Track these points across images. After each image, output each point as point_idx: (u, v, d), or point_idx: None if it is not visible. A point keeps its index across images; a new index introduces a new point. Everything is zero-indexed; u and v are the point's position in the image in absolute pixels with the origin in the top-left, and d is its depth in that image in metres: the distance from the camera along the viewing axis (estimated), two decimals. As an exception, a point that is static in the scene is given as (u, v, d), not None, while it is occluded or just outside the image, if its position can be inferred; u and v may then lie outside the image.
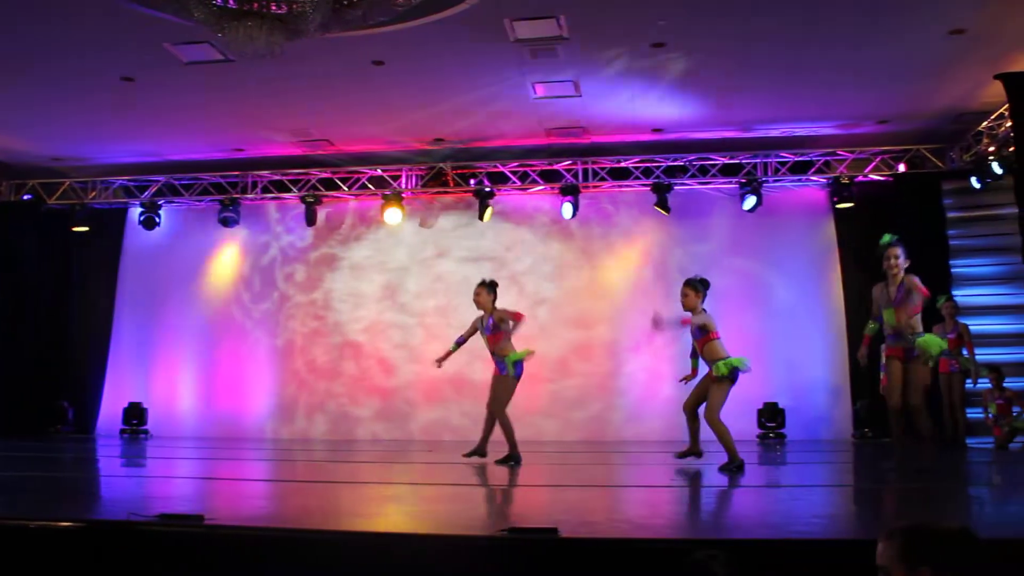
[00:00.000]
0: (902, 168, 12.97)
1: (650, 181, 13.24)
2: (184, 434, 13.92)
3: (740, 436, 11.51)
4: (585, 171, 13.50)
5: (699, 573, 2.59)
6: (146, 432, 13.82)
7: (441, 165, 13.59)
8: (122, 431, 13.83)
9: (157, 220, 14.37)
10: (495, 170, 13.68)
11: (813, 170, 13.19)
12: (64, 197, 14.60)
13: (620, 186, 13.59)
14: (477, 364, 13.34)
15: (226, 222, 14.05)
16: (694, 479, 7.15)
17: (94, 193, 14.61)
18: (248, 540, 3.83)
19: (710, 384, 7.68)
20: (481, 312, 8.57)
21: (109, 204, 14.72)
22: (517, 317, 8.51)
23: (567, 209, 13.28)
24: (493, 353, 8.47)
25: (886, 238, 7.39)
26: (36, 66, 10.06)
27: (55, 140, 12.87)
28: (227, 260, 14.62)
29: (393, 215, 13.63)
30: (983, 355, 10.97)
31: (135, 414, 13.88)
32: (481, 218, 13.48)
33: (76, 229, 14.35)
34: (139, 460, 9.96)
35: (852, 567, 3.40)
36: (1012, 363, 11.19)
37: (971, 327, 10.99)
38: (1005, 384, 10.97)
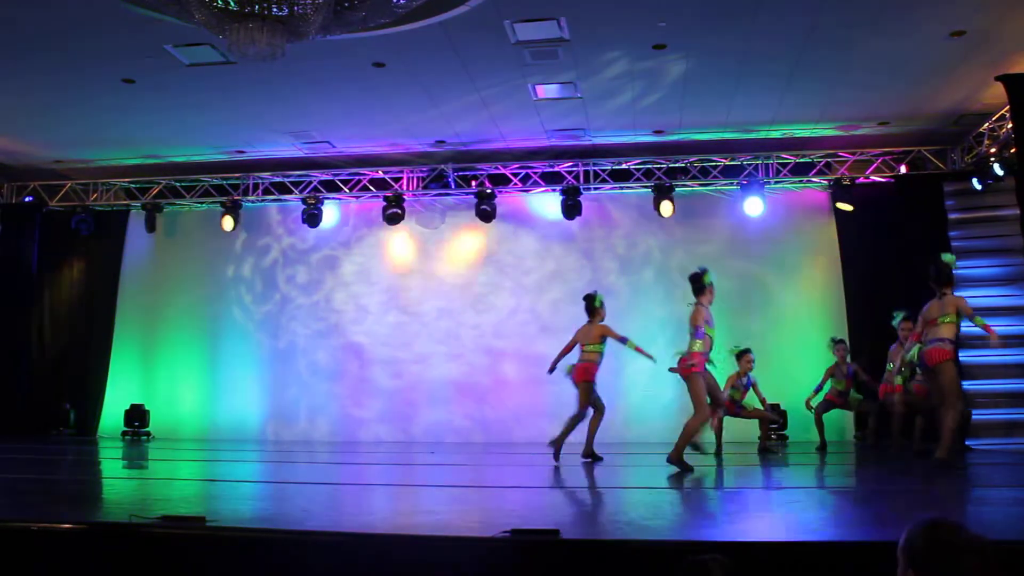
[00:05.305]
0: (903, 169, 12.97)
1: (651, 183, 13.25)
2: (186, 436, 13.93)
3: (742, 438, 11.57)
4: (586, 173, 13.51)
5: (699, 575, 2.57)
6: (148, 434, 13.83)
7: (442, 167, 13.57)
8: (124, 433, 13.83)
9: (158, 222, 14.41)
10: (496, 172, 13.69)
11: (814, 171, 13.18)
12: (65, 199, 14.63)
13: (621, 187, 13.61)
14: (478, 366, 13.42)
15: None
16: (695, 481, 7.15)
17: (95, 195, 14.63)
18: (249, 542, 3.84)
19: None
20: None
21: (111, 206, 14.75)
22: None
23: (569, 211, 13.27)
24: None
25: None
26: (37, 68, 10.07)
27: (57, 142, 12.89)
28: (229, 262, 14.63)
29: (394, 218, 13.62)
30: (984, 357, 10.93)
31: (137, 416, 13.88)
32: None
33: (77, 231, 14.35)
34: (141, 462, 9.97)
35: (853, 570, 3.40)
36: (1013, 364, 11.16)
37: (972, 328, 10.90)
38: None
